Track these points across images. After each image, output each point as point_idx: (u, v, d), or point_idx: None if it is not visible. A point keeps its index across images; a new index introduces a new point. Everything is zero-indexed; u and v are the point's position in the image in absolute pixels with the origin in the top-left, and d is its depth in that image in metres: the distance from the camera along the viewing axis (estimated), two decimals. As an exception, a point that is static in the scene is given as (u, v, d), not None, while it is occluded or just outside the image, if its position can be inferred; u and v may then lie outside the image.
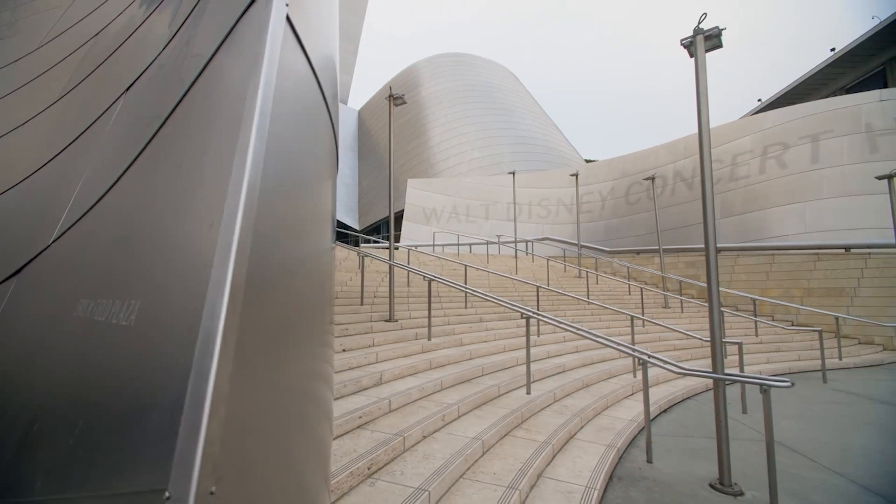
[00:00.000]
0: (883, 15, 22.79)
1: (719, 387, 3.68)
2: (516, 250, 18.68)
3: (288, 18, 1.16)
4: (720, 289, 12.93)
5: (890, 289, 10.99)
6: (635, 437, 4.72)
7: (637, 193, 22.40)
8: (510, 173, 20.45)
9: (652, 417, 5.64)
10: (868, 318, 10.80)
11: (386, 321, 6.95)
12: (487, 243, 18.26)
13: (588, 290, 12.23)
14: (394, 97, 7.45)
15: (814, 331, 8.30)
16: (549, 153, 34.36)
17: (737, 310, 13.25)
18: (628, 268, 15.04)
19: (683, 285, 14.79)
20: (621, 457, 4.17)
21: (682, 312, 12.22)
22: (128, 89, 2.32)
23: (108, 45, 3.66)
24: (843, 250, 12.47)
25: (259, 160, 0.88)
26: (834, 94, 27.84)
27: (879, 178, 9.78)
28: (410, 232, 26.60)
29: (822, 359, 7.84)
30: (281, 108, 1.05)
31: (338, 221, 32.92)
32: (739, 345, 5.81)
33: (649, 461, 4.07)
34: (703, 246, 13.29)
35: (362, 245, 26.56)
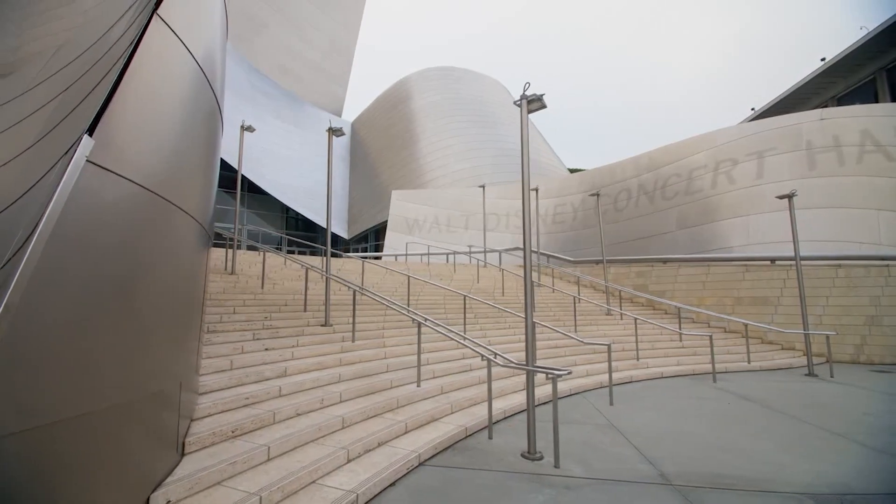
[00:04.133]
0: (871, 25, 23.54)
1: (530, 377, 4.68)
2: (485, 261, 19.70)
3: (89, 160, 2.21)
4: (660, 299, 13.79)
5: (806, 298, 11.91)
6: (498, 422, 5.71)
7: (605, 205, 23.33)
8: (480, 186, 21.53)
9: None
10: (785, 326, 11.73)
11: (321, 325, 7.96)
12: (455, 254, 19.29)
13: (534, 300, 13.19)
14: (333, 130, 8.53)
15: (705, 336, 9.23)
16: (532, 165, 35.13)
17: (679, 316, 14.22)
18: (578, 277, 16.02)
19: (636, 294, 15.75)
20: (470, 435, 5.17)
21: (621, 320, 13.17)
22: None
23: (88, 84, 4.57)
24: (769, 262, 13.42)
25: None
26: (825, 104, 28.84)
27: (780, 197, 10.79)
28: (393, 241, 27.63)
29: (713, 362, 8.82)
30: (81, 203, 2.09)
31: (318, 232, 33.83)
32: (608, 346, 6.80)
33: (490, 438, 5.07)
34: (651, 257, 14.31)
35: (344, 256, 27.50)
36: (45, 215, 1.93)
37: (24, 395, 1.75)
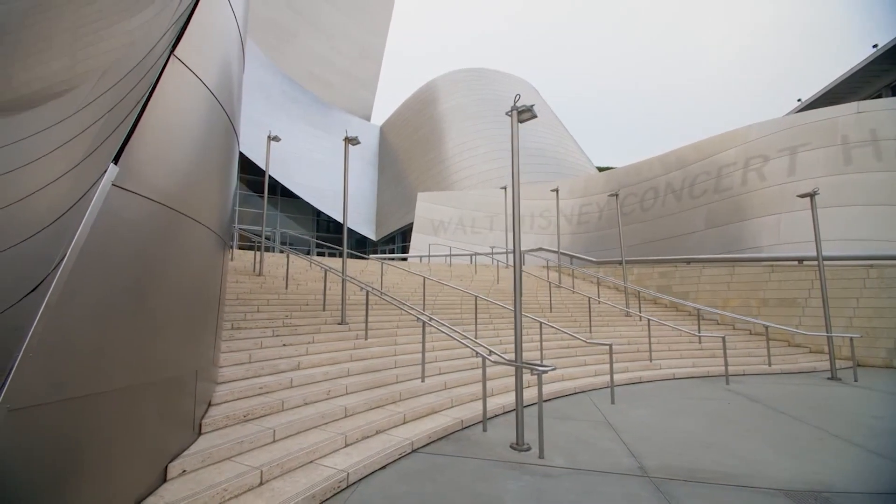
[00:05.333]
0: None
1: (518, 372, 4.95)
2: (506, 262, 19.86)
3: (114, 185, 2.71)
4: (680, 300, 13.56)
5: (836, 299, 11.47)
6: (496, 416, 5.99)
7: (631, 205, 23.05)
8: (502, 188, 21.69)
9: (530, 403, 6.86)
10: (813, 329, 11.33)
11: (338, 324, 8.47)
12: (476, 255, 19.57)
13: (551, 301, 13.33)
14: (349, 138, 9.04)
15: (725, 337, 9.09)
16: (559, 164, 35.11)
17: (703, 319, 13.96)
18: (598, 279, 15.95)
19: (658, 295, 15.54)
20: (466, 427, 5.48)
21: (640, 321, 13.05)
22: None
23: (129, 105, 5.16)
24: (796, 262, 12.96)
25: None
26: (879, 93, 27.32)
27: (801, 196, 10.44)
28: (419, 243, 28.13)
29: (725, 364, 8.70)
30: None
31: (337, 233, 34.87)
32: (609, 346, 6.94)
33: (484, 430, 5.37)
34: (674, 257, 14.19)
35: (372, 257, 28.28)
36: (77, 234, 2.43)
37: (57, 374, 2.24)
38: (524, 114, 5.22)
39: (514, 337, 9.90)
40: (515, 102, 5.23)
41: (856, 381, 8.91)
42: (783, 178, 16.34)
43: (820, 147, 15.77)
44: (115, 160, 2.78)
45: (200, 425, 3.95)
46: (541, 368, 4.62)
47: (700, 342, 11.43)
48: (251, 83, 32.09)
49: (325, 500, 3.48)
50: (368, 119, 48.07)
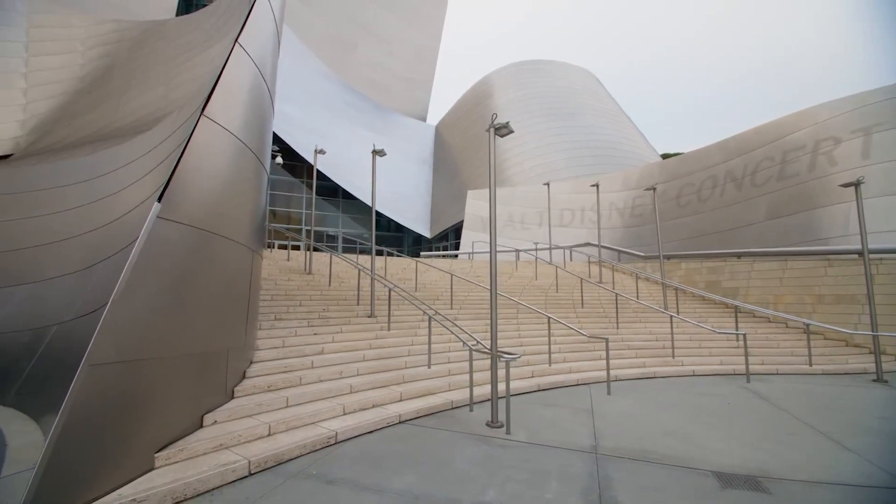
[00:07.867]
0: None
1: (494, 360, 5.64)
2: (549, 258, 20.02)
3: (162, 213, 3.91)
4: (722, 298, 13.06)
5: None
6: (487, 400, 6.68)
7: (688, 196, 22.03)
8: (545, 184, 21.80)
9: (528, 391, 7.45)
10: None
11: (368, 316, 9.61)
12: (518, 251, 19.98)
13: (583, 297, 13.53)
14: (376, 151, 10.13)
15: (763, 334, 8.89)
16: (617, 154, 34.05)
17: (754, 316, 13.33)
18: (637, 274, 15.69)
19: (706, 290, 14.98)
20: (455, 407, 6.27)
21: (678, 316, 12.79)
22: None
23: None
24: (856, 255, 11.89)
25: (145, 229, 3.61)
26: None
27: (844, 185, 9.69)
28: (468, 239, 28.94)
29: (746, 363, 8.54)
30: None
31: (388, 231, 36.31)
32: (606, 340, 7.30)
33: (470, 410, 6.13)
34: (724, 251, 14.15)
35: (422, 254, 29.62)
36: (131, 253, 3.63)
37: (120, 344, 3.44)
38: (501, 130, 5.85)
39: (535, 333, 10.45)
40: (493, 121, 5.88)
41: (902, 384, 8.30)
42: (856, 161, 14.86)
43: (899, 126, 14.13)
44: (159, 199, 3.98)
45: (233, 391, 5.19)
46: (507, 356, 5.30)
47: (737, 339, 11.07)
48: (315, 96, 34.87)
49: (314, 451, 4.51)
50: (424, 119, 49.62)
